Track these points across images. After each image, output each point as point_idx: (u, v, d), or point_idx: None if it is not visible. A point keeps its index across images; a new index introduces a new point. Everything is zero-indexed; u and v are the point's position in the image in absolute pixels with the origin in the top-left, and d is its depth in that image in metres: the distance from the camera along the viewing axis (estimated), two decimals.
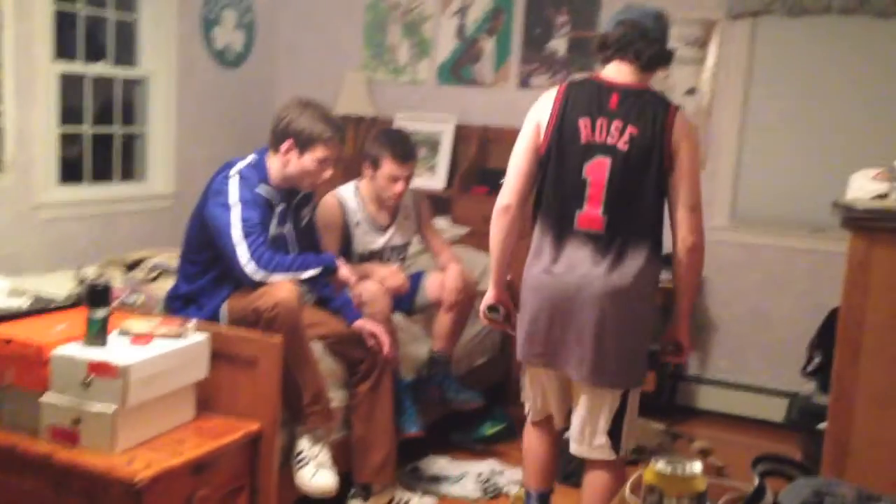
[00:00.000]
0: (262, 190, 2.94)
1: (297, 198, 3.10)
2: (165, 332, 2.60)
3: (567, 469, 3.52)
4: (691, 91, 4.45)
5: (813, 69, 4.22)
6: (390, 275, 3.36)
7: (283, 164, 2.99)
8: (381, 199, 3.54)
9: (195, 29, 4.74)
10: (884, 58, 4.07)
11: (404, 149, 3.47)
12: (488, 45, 4.87)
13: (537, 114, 2.59)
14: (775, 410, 4.19)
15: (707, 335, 4.49)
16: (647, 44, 2.54)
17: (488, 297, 2.75)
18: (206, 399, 2.74)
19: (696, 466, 1.31)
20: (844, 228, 2.17)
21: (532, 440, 2.85)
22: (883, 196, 2.42)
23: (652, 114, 2.50)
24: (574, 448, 2.66)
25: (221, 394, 2.75)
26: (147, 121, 4.63)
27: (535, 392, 2.76)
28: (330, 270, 2.96)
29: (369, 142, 3.51)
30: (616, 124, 2.48)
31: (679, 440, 3.83)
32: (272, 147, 3.01)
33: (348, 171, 4.72)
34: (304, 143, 2.96)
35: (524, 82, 4.79)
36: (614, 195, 2.49)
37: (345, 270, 2.99)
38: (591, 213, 2.49)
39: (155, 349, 2.51)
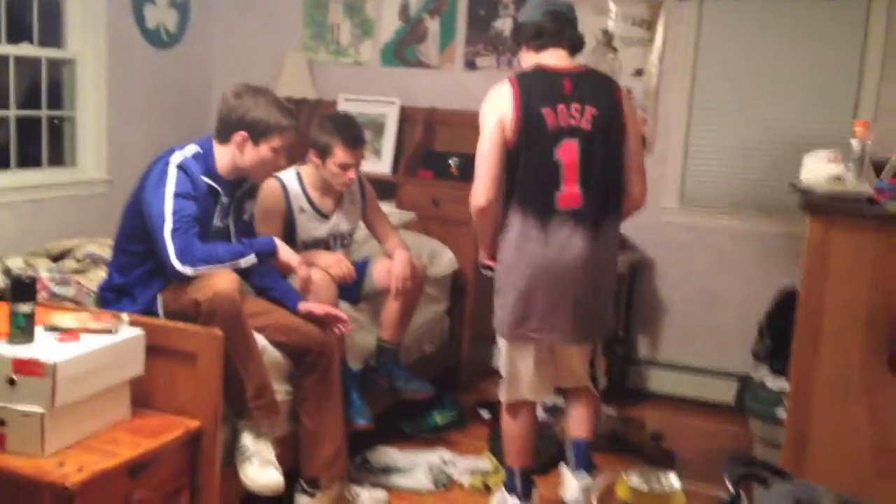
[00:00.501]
0: (206, 180, 2.81)
1: (241, 190, 2.97)
2: (97, 326, 2.46)
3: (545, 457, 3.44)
4: (639, 72, 4.41)
5: (760, 50, 4.20)
6: (335, 262, 3.24)
7: (234, 155, 2.85)
8: (326, 186, 3.41)
9: (125, 8, 4.53)
10: (830, 38, 4.07)
11: (355, 135, 3.36)
12: (433, 26, 4.76)
13: (496, 110, 2.70)
14: (726, 392, 4.19)
15: (657, 318, 4.46)
16: (574, 31, 2.82)
17: (484, 258, 2.98)
18: (143, 396, 2.61)
19: (673, 481, 1.23)
20: (803, 212, 2.12)
21: (519, 420, 2.95)
22: (838, 178, 2.37)
23: (603, 92, 2.78)
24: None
25: (159, 390, 2.63)
26: (76, 104, 4.42)
27: (524, 370, 2.87)
28: (269, 255, 2.84)
29: (316, 129, 3.36)
30: (575, 106, 2.70)
31: (631, 425, 3.79)
32: (220, 137, 2.85)
33: (291, 155, 4.58)
34: (260, 134, 2.83)
35: (470, 63, 4.69)
36: (587, 172, 2.71)
37: (286, 253, 2.87)
38: (570, 191, 2.70)
39: (85, 345, 2.37)
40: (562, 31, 2.79)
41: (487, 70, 4.64)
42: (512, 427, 2.97)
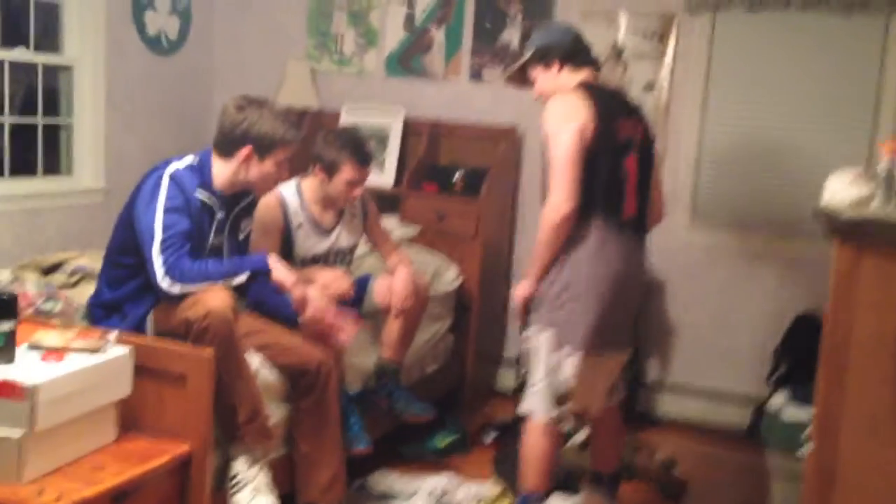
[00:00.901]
0: (201, 195, 2.69)
1: (237, 207, 2.85)
2: (82, 345, 2.33)
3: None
4: (649, 86, 4.29)
5: (774, 65, 4.08)
6: (334, 280, 3.12)
7: (236, 170, 2.74)
8: (327, 201, 3.29)
9: (125, 13, 4.43)
10: (847, 53, 3.95)
11: (364, 152, 3.25)
12: (438, 36, 4.65)
13: (574, 117, 2.68)
14: (738, 418, 4.06)
15: (667, 340, 4.33)
16: (592, 53, 2.94)
17: (528, 289, 2.82)
18: (130, 419, 2.48)
19: None
20: (829, 237, 1.99)
21: (554, 439, 2.86)
22: (864, 201, 2.25)
23: (639, 109, 2.94)
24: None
25: (147, 413, 2.50)
26: (73, 111, 4.31)
27: (584, 385, 2.78)
28: (260, 273, 2.71)
29: (322, 143, 3.24)
30: (633, 121, 2.82)
31: (641, 451, 3.65)
32: (223, 152, 2.74)
33: (292, 166, 4.46)
34: (266, 148, 2.72)
35: (476, 75, 4.58)
36: (641, 185, 2.82)
37: (279, 272, 2.73)
38: (631, 203, 2.79)
39: (68, 365, 2.24)
40: (589, 52, 2.91)
41: (493, 82, 4.53)
42: (546, 447, 2.82)
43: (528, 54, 2.91)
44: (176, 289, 2.54)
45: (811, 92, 4.03)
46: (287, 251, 3.22)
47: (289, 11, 4.90)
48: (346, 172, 3.20)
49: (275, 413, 2.81)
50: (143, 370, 2.45)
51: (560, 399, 2.78)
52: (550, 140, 2.69)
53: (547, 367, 2.77)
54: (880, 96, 3.91)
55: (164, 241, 2.54)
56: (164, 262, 2.54)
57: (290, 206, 3.25)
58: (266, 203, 3.22)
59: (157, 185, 2.61)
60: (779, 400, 3.15)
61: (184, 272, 2.54)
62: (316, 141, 3.29)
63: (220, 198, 2.76)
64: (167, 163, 2.71)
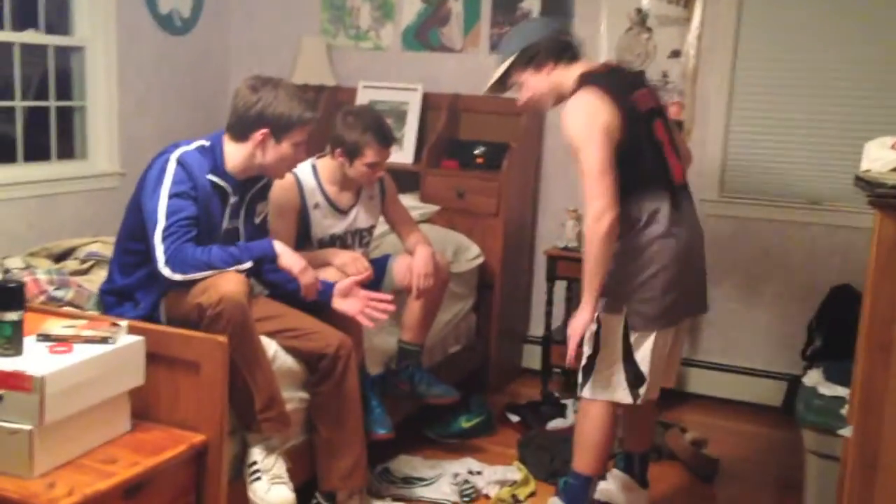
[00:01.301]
0: (214, 178, 2.61)
1: (252, 190, 2.76)
2: (92, 334, 2.28)
3: (552, 467, 3.26)
4: (675, 53, 4.13)
5: (806, 30, 3.91)
6: (351, 261, 3.03)
7: (251, 153, 2.65)
8: (344, 181, 3.20)
9: None
10: (879, 19, 3.77)
11: (387, 135, 3.14)
12: (456, 7, 4.51)
13: (598, 118, 2.56)
14: (771, 394, 3.94)
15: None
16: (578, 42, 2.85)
17: (588, 318, 2.64)
18: (144, 408, 2.44)
19: None
20: (871, 206, 1.87)
21: (613, 424, 2.78)
22: None
23: (642, 76, 3.03)
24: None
25: (161, 402, 2.45)
26: (86, 94, 4.24)
27: (655, 363, 2.69)
28: (267, 260, 2.61)
29: (342, 125, 3.12)
30: (644, 91, 2.74)
31: (670, 430, 3.55)
32: (236, 135, 2.65)
33: (308, 146, 4.38)
34: (282, 130, 2.63)
35: (496, 46, 4.44)
36: (673, 145, 2.77)
37: (287, 258, 2.62)
38: (675, 167, 2.73)
39: (78, 355, 2.19)
40: (577, 41, 2.82)
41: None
42: (610, 432, 2.75)
43: (510, 58, 2.75)
44: (178, 276, 2.46)
45: (843, 58, 3.85)
46: (304, 232, 3.14)
47: None
48: (369, 156, 3.10)
49: (292, 399, 2.74)
50: (155, 358, 2.39)
51: (632, 383, 2.69)
52: (580, 152, 2.56)
53: (620, 351, 2.67)
54: None
55: (166, 228, 2.47)
56: (166, 250, 2.46)
57: (307, 187, 3.16)
58: (281, 184, 3.12)
59: (164, 170, 2.53)
60: (815, 376, 3.02)
61: (185, 260, 2.46)
62: (336, 122, 3.17)
63: (233, 182, 2.67)
64: (176, 146, 2.62)
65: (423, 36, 4.59)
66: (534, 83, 2.76)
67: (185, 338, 2.41)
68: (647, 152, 2.65)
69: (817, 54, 3.90)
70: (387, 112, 4.31)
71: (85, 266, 3.05)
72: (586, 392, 2.74)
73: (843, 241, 3.91)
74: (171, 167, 2.53)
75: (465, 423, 3.63)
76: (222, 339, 2.37)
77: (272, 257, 2.59)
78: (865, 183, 1.85)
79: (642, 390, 2.70)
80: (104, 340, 2.26)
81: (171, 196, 2.49)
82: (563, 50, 2.73)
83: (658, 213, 2.62)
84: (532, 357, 4.39)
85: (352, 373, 2.85)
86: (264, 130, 2.61)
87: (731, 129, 4.10)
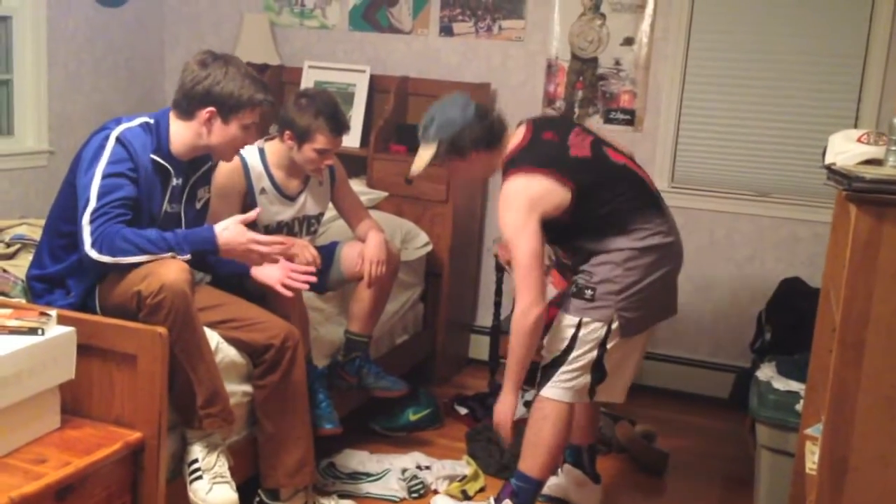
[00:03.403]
0: (157, 158, 2.44)
1: (196, 174, 2.61)
2: (18, 324, 2.11)
3: (502, 461, 3.18)
4: (628, 41, 4.09)
5: (759, 19, 3.88)
6: (299, 249, 2.89)
7: (197, 133, 2.49)
8: (293, 166, 3.06)
9: None
10: (833, 9, 3.77)
11: (340, 121, 3.01)
12: None
13: (540, 204, 2.57)
14: (718, 386, 3.93)
15: None
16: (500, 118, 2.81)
17: (512, 406, 2.71)
18: (76, 404, 2.29)
19: None
20: (849, 201, 1.82)
21: (566, 428, 2.71)
22: (873, 162, 2.08)
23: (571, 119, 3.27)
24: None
25: (94, 397, 2.30)
26: (12, 66, 4.00)
27: (623, 368, 2.71)
28: (209, 252, 2.44)
29: (294, 109, 2.96)
30: (576, 130, 2.74)
31: (620, 423, 3.51)
32: (182, 112, 2.48)
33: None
34: (230, 110, 2.47)
35: (446, 29, 4.34)
36: (633, 160, 2.80)
37: (231, 244, 2.44)
38: (645, 175, 2.77)
39: (5, 347, 2.02)
40: (499, 118, 2.78)
41: (465, 36, 4.30)
42: (565, 433, 2.70)
43: (430, 150, 2.70)
44: (105, 259, 2.29)
45: (797, 48, 3.85)
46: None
47: None
48: (319, 142, 2.96)
49: (235, 393, 2.61)
50: (89, 350, 2.25)
51: (587, 386, 2.67)
52: (511, 242, 2.60)
53: (597, 358, 2.63)
54: (868, 53, 3.74)
55: (97, 209, 2.30)
56: (93, 231, 2.29)
57: (253, 171, 3.01)
58: (226, 165, 2.98)
59: (102, 147, 2.36)
60: (768, 370, 3.01)
61: (114, 244, 2.28)
62: (287, 104, 3.03)
63: (176, 163, 2.51)
64: (117, 122, 2.45)
65: (371, 16, 4.46)
66: (462, 168, 2.77)
67: (121, 329, 2.26)
68: (617, 180, 2.65)
69: (770, 46, 3.88)
70: (333, 94, 4.16)
71: (11, 250, 2.85)
72: (548, 392, 2.67)
73: (791, 234, 3.92)
74: (110, 145, 2.36)
75: (412, 416, 3.54)
76: (161, 329, 2.23)
77: (214, 249, 2.42)
78: (841, 176, 1.80)
79: (600, 388, 2.68)
80: (32, 331, 2.10)
81: (106, 175, 2.32)
82: (484, 137, 2.69)
83: (652, 225, 2.63)
84: (480, 347, 4.31)
85: (298, 365, 2.73)
86: (211, 109, 2.46)
87: (683, 118, 4.06)
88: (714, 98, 4.01)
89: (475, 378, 4.14)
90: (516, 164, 2.64)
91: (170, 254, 2.33)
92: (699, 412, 3.93)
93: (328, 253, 3.16)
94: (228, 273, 2.76)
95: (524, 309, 2.56)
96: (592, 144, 2.69)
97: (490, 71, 4.26)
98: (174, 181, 2.51)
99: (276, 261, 2.59)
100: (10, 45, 3.97)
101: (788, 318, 3.37)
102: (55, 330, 2.15)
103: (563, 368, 2.64)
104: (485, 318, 4.29)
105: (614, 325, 2.61)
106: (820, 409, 2.12)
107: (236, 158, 2.97)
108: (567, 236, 2.71)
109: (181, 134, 2.50)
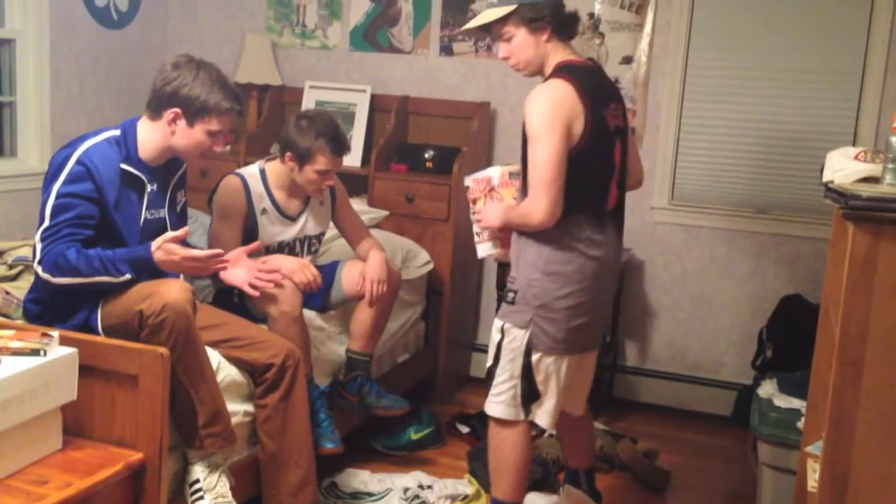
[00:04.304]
0: (127, 167, 2.46)
1: (174, 179, 2.63)
2: (21, 346, 2.12)
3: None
4: (627, 59, 4.11)
5: (757, 37, 3.90)
6: (299, 269, 2.90)
7: (164, 134, 2.50)
8: (294, 187, 3.07)
9: None
10: (832, 25, 3.79)
11: (341, 142, 3.02)
12: (406, 8, 4.42)
13: (564, 113, 2.41)
14: (720, 404, 3.93)
15: (646, 322, 4.18)
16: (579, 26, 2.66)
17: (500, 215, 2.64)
18: (78, 424, 2.30)
19: None
20: (846, 219, 1.83)
21: (527, 444, 2.64)
22: (871, 179, 2.09)
23: (618, 91, 2.69)
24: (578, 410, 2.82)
25: (96, 417, 2.31)
26: (16, 89, 4.03)
27: (561, 389, 2.60)
28: (148, 267, 2.39)
29: (295, 130, 2.97)
30: (615, 105, 2.58)
31: (622, 441, 3.50)
32: (151, 112, 2.51)
33: (252, 147, 4.25)
34: (195, 113, 2.48)
35: (446, 49, 4.37)
36: (622, 172, 2.62)
37: (169, 260, 2.37)
38: (613, 191, 2.59)
39: (6, 369, 2.03)
40: (579, 23, 2.62)
41: (464, 56, 4.32)
42: (520, 453, 2.62)
43: (512, 6, 2.48)
44: (48, 278, 2.34)
45: (795, 64, 3.86)
46: (251, 238, 3.00)
47: None
48: (320, 163, 2.97)
49: (237, 413, 2.61)
50: (90, 371, 2.25)
51: (533, 400, 2.59)
52: (535, 141, 2.40)
53: (524, 368, 2.56)
54: (866, 69, 3.76)
55: (48, 228, 2.35)
56: (43, 249, 2.34)
57: (254, 191, 3.03)
58: (227, 186, 3.01)
59: (62, 167, 2.39)
60: (769, 387, 3.00)
61: (57, 263, 2.32)
62: (287, 125, 3.05)
63: (148, 169, 2.52)
64: (82, 139, 2.46)
65: (372, 36, 4.49)
66: (523, 46, 2.52)
67: (123, 349, 2.27)
68: (594, 172, 2.51)
69: (768, 63, 3.90)
70: (334, 114, 4.18)
71: (13, 272, 2.86)
72: (490, 409, 2.63)
73: (792, 250, 3.92)
74: (70, 164, 2.38)
75: (413, 435, 3.53)
76: (163, 350, 2.23)
77: (151, 266, 2.39)
78: (838, 195, 1.80)
79: (536, 407, 2.59)
80: (34, 352, 2.11)
81: (61, 195, 2.36)
82: (566, 24, 2.53)
83: (582, 234, 2.50)
84: (481, 365, 4.28)
85: (299, 384, 2.73)
86: (176, 110, 2.47)
87: (682, 136, 4.08)
88: (713, 115, 4.03)
89: (477, 396, 4.12)
90: (568, 73, 2.46)
91: (107, 277, 2.34)
92: (701, 430, 3.92)
93: (329, 272, 3.17)
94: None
95: (536, 212, 2.39)
96: (616, 128, 2.55)
97: (490, 90, 4.28)
98: (149, 188, 2.52)
99: (212, 271, 2.52)
100: (13, 67, 4.00)
101: (790, 334, 3.37)
102: (57, 351, 2.16)
103: (495, 381, 2.60)
104: (486, 336, 4.26)
105: (534, 337, 2.52)
106: (821, 427, 2.12)
107: (237, 180, 3.01)
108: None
109: (150, 137, 2.51)
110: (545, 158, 2.38)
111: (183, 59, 2.51)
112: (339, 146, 3.01)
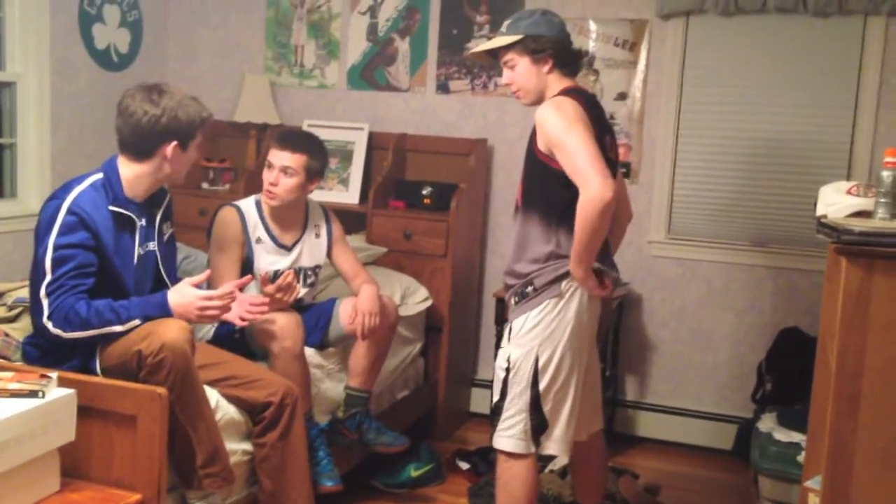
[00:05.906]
0: (116, 209, 2.46)
1: (159, 212, 2.65)
2: (19, 387, 2.11)
3: None
4: (622, 96, 4.16)
5: (749, 71, 3.95)
6: (276, 287, 2.92)
7: (155, 169, 2.51)
8: (288, 218, 3.13)
9: (72, 26, 4.19)
10: (824, 58, 3.84)
11: (287, 137, 3.14)
12: (403, 47, 4.48)
13: (578, 116, 2.47)
14: (721, 437, 3.91)
15: (645, 357, 4.18)
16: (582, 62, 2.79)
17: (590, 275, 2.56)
18: (75, 465, 2.28)
19: None
20: (838, 254, 1.84)
21: (535, 478, 2.62)
22: (863, 214, 2.11)
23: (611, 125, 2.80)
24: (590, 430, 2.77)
25: (93, 459, 2.30)
26: (16, 130, 4.07)
27: (571, 413, 2.60)
28: (162, 316, 2.41)
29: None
30: (611, 140, 2.65)
31: (623, 476, 3.48)
32: (138, 153, 2.49)
33: (251, 185, 4.27)
34: (189, 136, 2.52)
35: (442, 87, 4.42)
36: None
37: (183, 310, 2.43)
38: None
39: (5, 411, 2.02)
40: (582, 59, 2.76)
41: (461, 93, 4.37)
42: (529, 487, 2.58)
43: (517, 36, 2.56)
44: (59, 333, 2.34)
45: (788, 98, 3.91)
46: (247, 267, 3.02)
47: (245, 22, 4.70)
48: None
49: (235, 452, 2.61)
50: (88, 412, 2.25)
51: (542, 432, 2.58)
52: (563, 137, 2.41)
53: (531, 400, 2.55)
54: (859, 103, 3.80)
55: (52, 283, 2.34)
56: (51, 304, 2.33)
57: (249, 221, 3.09)
58: (223, 216, 3.06)
59: (53, 218, 2.38)
60: (769, 421, 3.00)
61: (68, 317, 2.33)
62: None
63: (135, 206, 2.53)
64: (67, 189, 2.45)
65: (369, 75, 4.54)
66: (525, 72, 2.60)
67: (121, 389, 2.27)
68: None
69: (760, 98, 3.94)
70: (332, 152, 4.22)
71: (13, 313, 2.86)
72: (498, 443, 2.61)
73: (789, 283, 3.93)
74: (61, 215, 2.37)
75: (413, 472, 3.52)
76: (161, 390, 2.23)
77: (166, 314, 2.41)
78: (831, 229, 1.82)
79: (545, 439, 2.58)
80: (33, 394, 2.11)
81: (58, 247, 2.35)
82: (569, 59, 2.62)
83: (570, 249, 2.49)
84: (481, 401, 4.31)
85: (298, 422, 2.73)
86: (174, 143, 2.49)
87: (678, 171, 4.11)
88: (708, 150, 4.06)
89: (477, 432, 4.12)
90: (570, 93, 2.54)
91: (118, 327, 2.35)
92: (703, 464, 3.91)
93: (327, 310, 3.19)
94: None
95: (596, 191, 2.33)
96: (607, 161, 2.50)
97: (486, 126, 4.32)
98: (139, 223, 2.54)
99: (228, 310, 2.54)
100: (14, 109, 4.04)
101: (788, 367, 3.37)
102: (55, 392, 2.16)
103: (503, 416, 2.59)
104: (486, 372, 4.29)
105: (539, 360, 2.52)
106: (820, 461, 2.11)
107: (233, 210, 3.05)
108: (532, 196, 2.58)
109: (136, 176, 2.51)
110: (580, 144, 2.39)
111: (152, 93, 2.48)
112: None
